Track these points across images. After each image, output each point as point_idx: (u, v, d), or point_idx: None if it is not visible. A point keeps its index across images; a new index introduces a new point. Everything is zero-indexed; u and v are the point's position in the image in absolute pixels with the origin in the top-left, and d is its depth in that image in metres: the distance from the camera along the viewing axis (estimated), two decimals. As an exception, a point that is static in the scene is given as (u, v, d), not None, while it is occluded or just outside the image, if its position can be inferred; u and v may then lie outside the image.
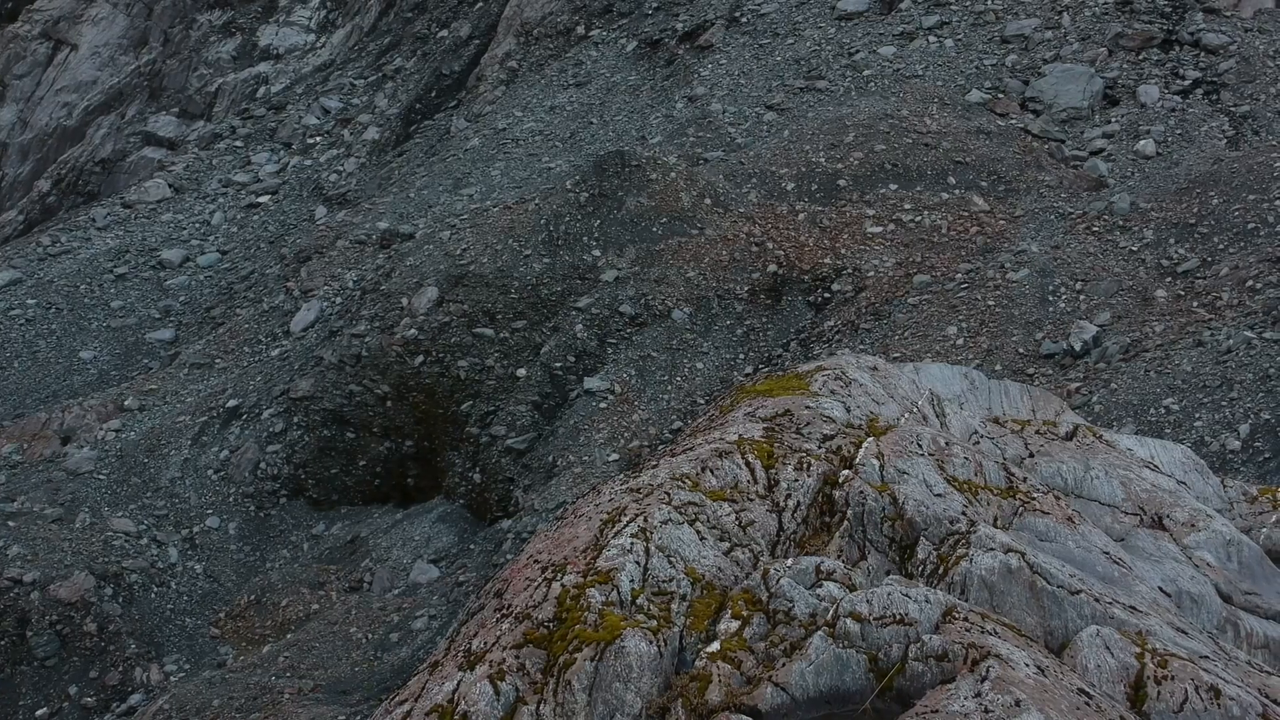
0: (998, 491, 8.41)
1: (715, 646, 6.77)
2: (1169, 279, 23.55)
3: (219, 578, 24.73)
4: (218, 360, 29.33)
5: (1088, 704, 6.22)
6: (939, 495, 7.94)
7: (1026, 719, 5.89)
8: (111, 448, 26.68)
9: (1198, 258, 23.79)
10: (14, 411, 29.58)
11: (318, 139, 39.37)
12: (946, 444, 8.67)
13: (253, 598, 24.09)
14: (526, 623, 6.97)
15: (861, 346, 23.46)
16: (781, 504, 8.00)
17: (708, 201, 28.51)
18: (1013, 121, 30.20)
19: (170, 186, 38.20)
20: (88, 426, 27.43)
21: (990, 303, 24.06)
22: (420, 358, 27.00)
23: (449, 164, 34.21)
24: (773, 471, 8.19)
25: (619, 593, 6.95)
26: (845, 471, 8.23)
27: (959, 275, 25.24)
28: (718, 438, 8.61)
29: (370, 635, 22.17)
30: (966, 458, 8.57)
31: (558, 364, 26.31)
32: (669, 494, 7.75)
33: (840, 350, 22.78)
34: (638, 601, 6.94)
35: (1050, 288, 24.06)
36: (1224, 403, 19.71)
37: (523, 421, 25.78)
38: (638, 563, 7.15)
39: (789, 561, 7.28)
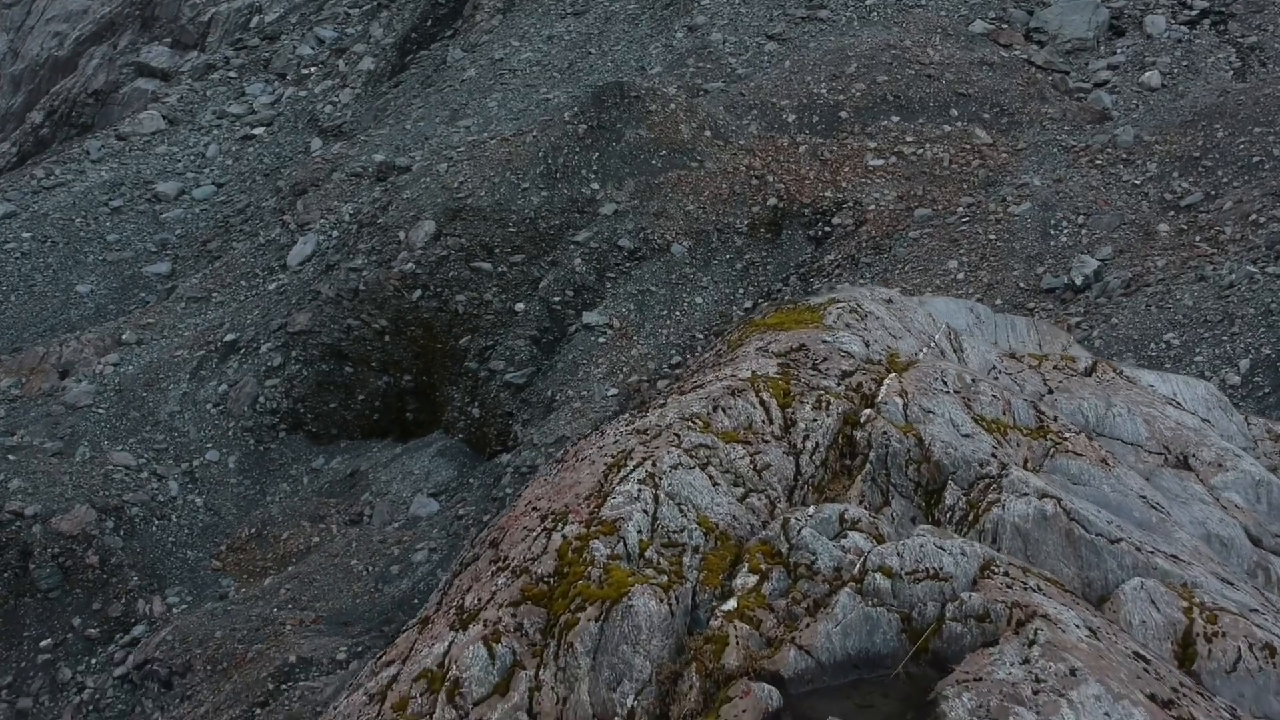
0: (1027, 432, 7.84)
1: (732, 604, 6.19)
2: (1171, 213, 23.39)
3: (219, 511, 24.81)
4: (214, 294, 29.19)
5: (1146, 671, 5.61)
6: (967, 436, 7.39)
7: (1085, 691, 5.20)
8: (110, 382, 26.64)
9: (1201, 191, 23.61)
10: (11, 345, 29.50)
11: (312, 69, 38.87)
12: (973, 380, 8.11)
13: (253, 531, 24.19)
14: (524, 577, 6.39)
15: (861, 280, 23.32)
16: (799, 446, 7.38)
17: (708, 134, 28.22)
18: (1016, 53, 29.81)
19: (164, 118, 37.77)
20: (86, 360, 27.36)
21: (991, 236, 23.91)
22: (418, 292, 26.88)
23: (445, 95, 33.80)
24: (789, 411, 7.56)
25: (625, 545, 6.39)
26: (867, 411, 7.63)
27: (960, 209, 25.05)
28: (730, 374, 8.00)
29: (371, 568, 22.30)
30: (994, 395, 8.00)
31: (556, 298, 26.19)
32: (679, 435, 7.17)
33: (839, 285, 22.65)
34: (646, 554, 6.37)
35: (1052, 221, 23.89)
36: (1224, 338, 19.65)
37: (521, 356, 25.72)
38: (645, 511, 6.55)
39: (810, 509, 6.66)
